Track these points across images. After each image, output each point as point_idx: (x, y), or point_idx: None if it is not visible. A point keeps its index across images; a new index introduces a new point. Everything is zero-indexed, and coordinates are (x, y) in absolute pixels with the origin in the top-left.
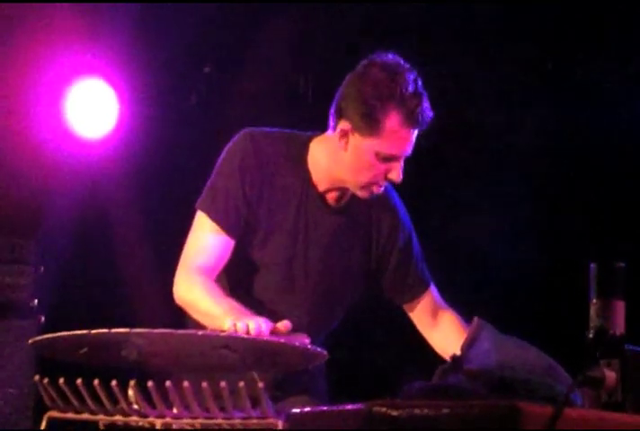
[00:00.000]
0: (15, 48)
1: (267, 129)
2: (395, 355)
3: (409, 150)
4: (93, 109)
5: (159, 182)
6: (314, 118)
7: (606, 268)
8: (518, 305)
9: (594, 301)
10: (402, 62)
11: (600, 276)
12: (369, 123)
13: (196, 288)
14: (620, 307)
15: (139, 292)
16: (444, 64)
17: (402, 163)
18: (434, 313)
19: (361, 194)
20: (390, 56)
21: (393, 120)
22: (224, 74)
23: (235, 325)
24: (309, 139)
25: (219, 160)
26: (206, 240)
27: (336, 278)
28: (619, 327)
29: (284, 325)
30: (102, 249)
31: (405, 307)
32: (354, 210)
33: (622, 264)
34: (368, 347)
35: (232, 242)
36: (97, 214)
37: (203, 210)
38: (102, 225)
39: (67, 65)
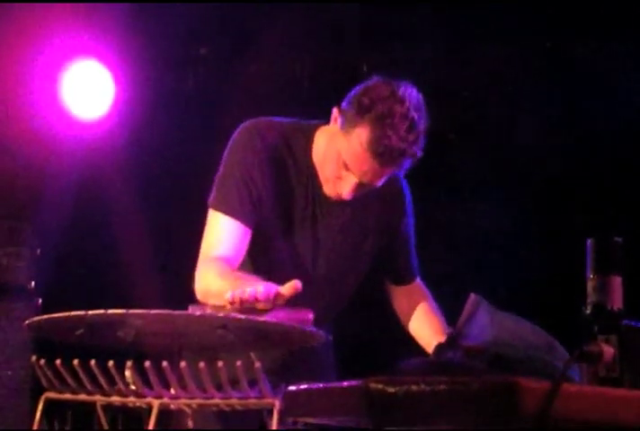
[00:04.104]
0: (11, 29)
1: (271, 119)
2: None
3: (369, 177)
4: (89, 90)
5: (155, 163)
6: (310, 102)
7: (603, 243)
8: (515, 281)
9: (591, 276)
10: (414, 96)
11: (597, 251)
12: (347, 119)
13: (209, 274)
14: (617, 282)
15: (136, 273)
16: (443, 51)
17: (354, 183)
18: (413, 305)
19: (326, 190)
20: (416, 92)
21: (361, 134)
22: (220, 55)
23: (232, 294)
24: (314, 129)
25: (225, 154)
26: (222, 232)
27: (343, 268)
28: (617, 302)
29: (290, 287)
30: (98, 230)
31: (389, 290)
32: (362, 200)
33: (619, 239)
34: (374, 323)
35: (249, 232)
36: (93, 195)
37: (217, 209)
38: (98, 207)
39: (63, 47)
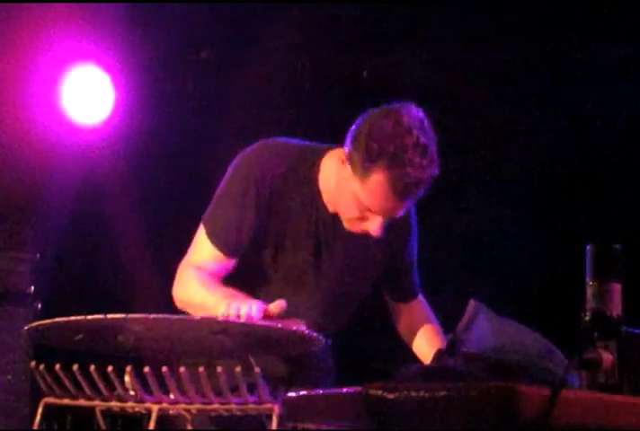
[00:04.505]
0: (11, 34)
1: (276, 143)
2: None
3: (392, 212)
4: (88, 95)
5: (155, 168)
6: (311, 104)
7: (602, 249)
8: (514, 288)
9: (590, 283)
10: (417, 117)
11: (596, 257)
12: (358, 167)
13: (190, 284)
14: (617, 289)
15: (136, 278)
16: (444, 53)
17: (380, 221)
18: (414, 324)
19: (348, 227)
20: (416, 110)
21: (380, 179)
22: (220, 59)
23: (227, 309)
24: (323, 154)
25: (227, 177)
26: (205, 256)
27: (344, 291)
28: (616, 309)
29: (277, 306)
30: (98, 235)
31: (390, 305)
32: None
33: (618, 246)
34: (374, 331)
35: (232, 261)
36: (93, 200)
37: (206, 232)
38: (98, 212)
39: (63, 52)
